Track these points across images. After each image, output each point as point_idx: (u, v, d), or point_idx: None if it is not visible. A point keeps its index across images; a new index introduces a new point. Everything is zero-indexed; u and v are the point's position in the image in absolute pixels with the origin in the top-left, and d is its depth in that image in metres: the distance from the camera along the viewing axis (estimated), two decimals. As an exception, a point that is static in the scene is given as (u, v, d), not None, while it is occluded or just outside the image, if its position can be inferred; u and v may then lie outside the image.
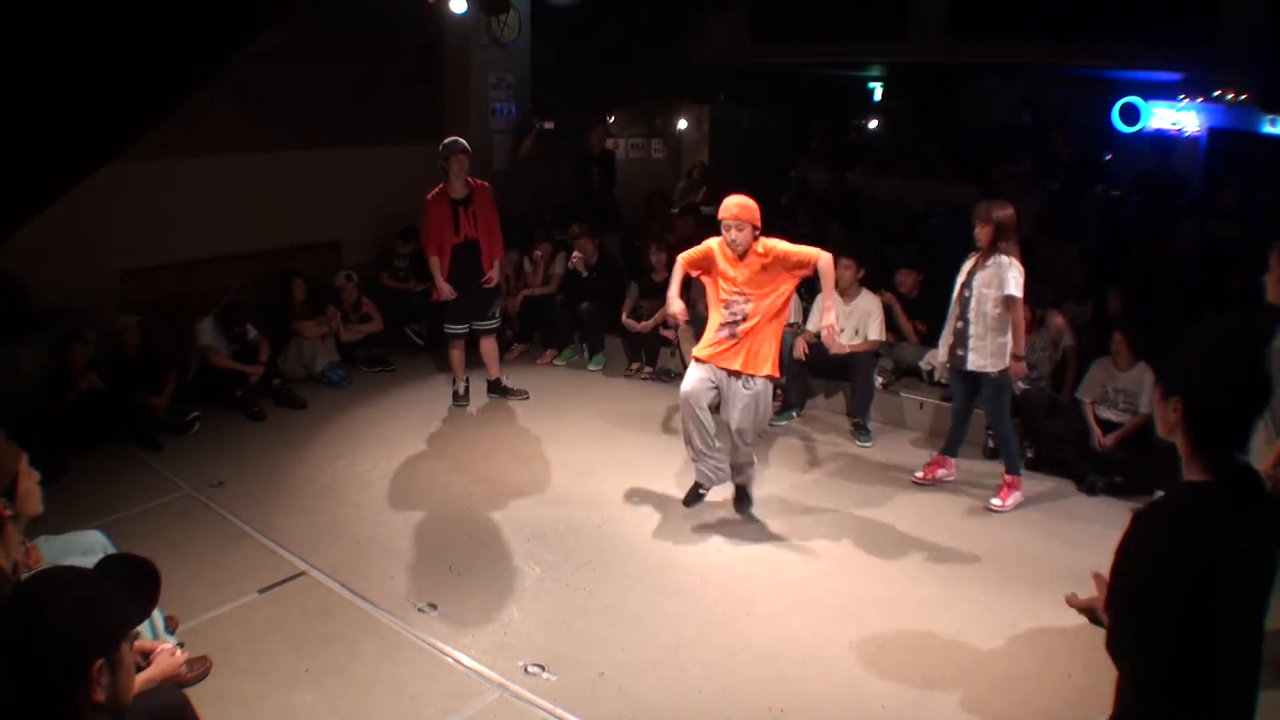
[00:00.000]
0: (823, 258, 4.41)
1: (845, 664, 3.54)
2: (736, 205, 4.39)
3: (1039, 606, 3.94)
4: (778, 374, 4.58)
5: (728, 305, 4.47)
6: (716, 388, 4.51)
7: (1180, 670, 1.62)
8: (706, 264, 4.56)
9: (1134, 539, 1.69)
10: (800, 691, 3.37)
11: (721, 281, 4.50)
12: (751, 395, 4.42)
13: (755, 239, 4.40)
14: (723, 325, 4.47)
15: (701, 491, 4.74)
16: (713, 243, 4.55)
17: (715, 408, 4.61)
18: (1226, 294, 5.80)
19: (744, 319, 4.43)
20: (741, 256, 4.42)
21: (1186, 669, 1.61)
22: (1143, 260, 6.82)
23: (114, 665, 1.60)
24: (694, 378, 4.51)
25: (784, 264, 4.40)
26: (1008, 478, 4.94)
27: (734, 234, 4.38)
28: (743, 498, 4.74)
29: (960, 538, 4.60)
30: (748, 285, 4.43)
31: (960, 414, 5.13)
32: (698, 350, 4.58)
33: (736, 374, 4.43)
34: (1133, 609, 1.67)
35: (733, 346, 4.44)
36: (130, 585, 1.80)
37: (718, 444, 4.60)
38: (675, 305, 4.64)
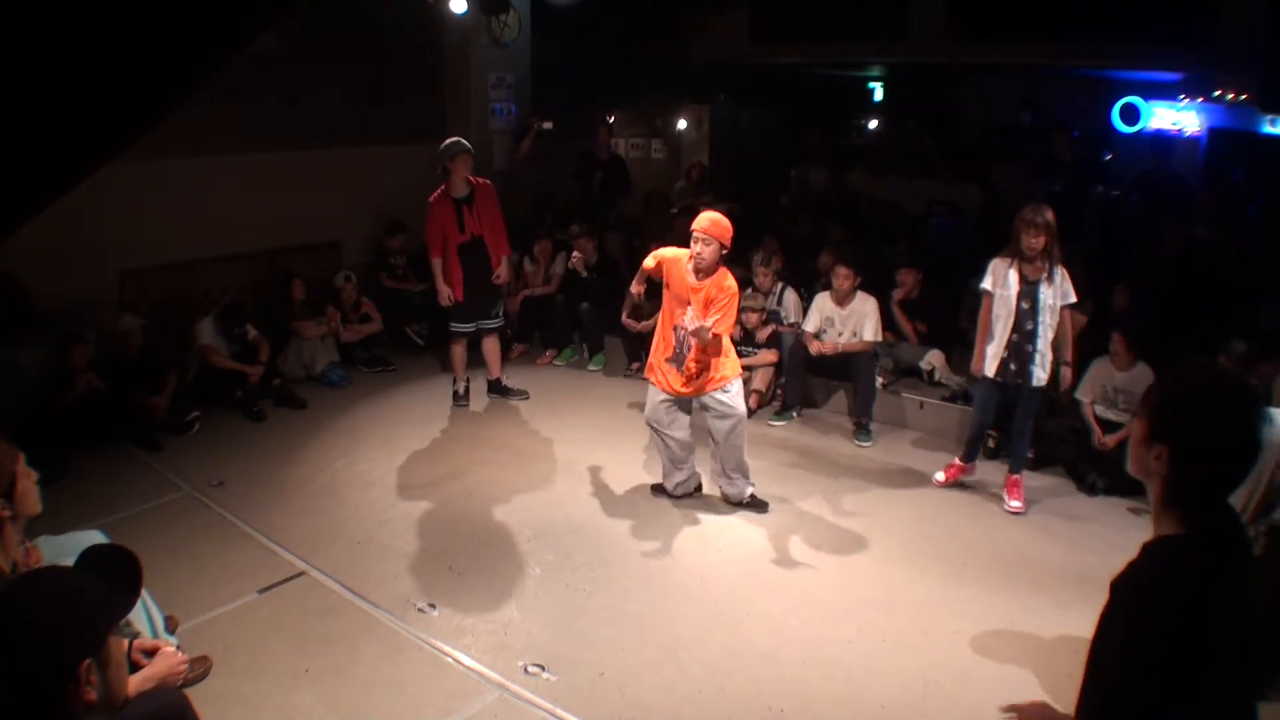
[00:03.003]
0: (725, 320, 4.41)
1: (845, 664, 3.54)
2: (709, 220, 4.40)
3: (1039, 606, 3.94)
4: (741, 371, 4.74)
5: (675, 332, 4.54)
6: (675, 402, 4.70)
7: None
8: (669, 278, 4.58)
9: (1112, 611, 1.58)
10: (800, 691, 3.37)
11: (678, 305, 4.53)
12: (726, 399, 4.57)
13: (720, 262, 4.41)
14: (674, 356, 4.57)
15: (668, 489, 4.92)
16: (676, 254, 4.56)
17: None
18: (1206, 298, 5.80)
19: (689, 349, 4.49)
20: (699, 273, 4.42)
21: None
22: (1142, 260, 6.82)
23: (102, 662, 1.59)
24: (652, 400, 4.72)
25: (715, 306, 4.42)
26: (1015, 477, 4.94)
27: (700, 248, 4.36)
28: (752, 503, 4.80)
29: (960, 538, 4.60)
30: (696, 309, 4.42)
31: (986, 424, 5.05)
32: (649, 373, 4.76)
33: (698, 392, 4.59)
34: (1114, 686, 1.55)
35: (684, 377, 4.57)
36: (113, 577, 1.79)
37: (684, 455, 4.79)
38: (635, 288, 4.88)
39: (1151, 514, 1.66)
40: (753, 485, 4.81)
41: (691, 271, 4.45)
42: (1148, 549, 1.61)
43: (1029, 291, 4.64)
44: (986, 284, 4.79)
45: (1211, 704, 1.51)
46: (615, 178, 8.29)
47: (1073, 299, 4.64)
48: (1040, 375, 4.70)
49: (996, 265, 4.74)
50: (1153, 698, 1.50)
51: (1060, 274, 4.60)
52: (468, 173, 5.83)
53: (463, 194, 5.86)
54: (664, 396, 4.67)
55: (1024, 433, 4.90)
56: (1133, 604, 1.56)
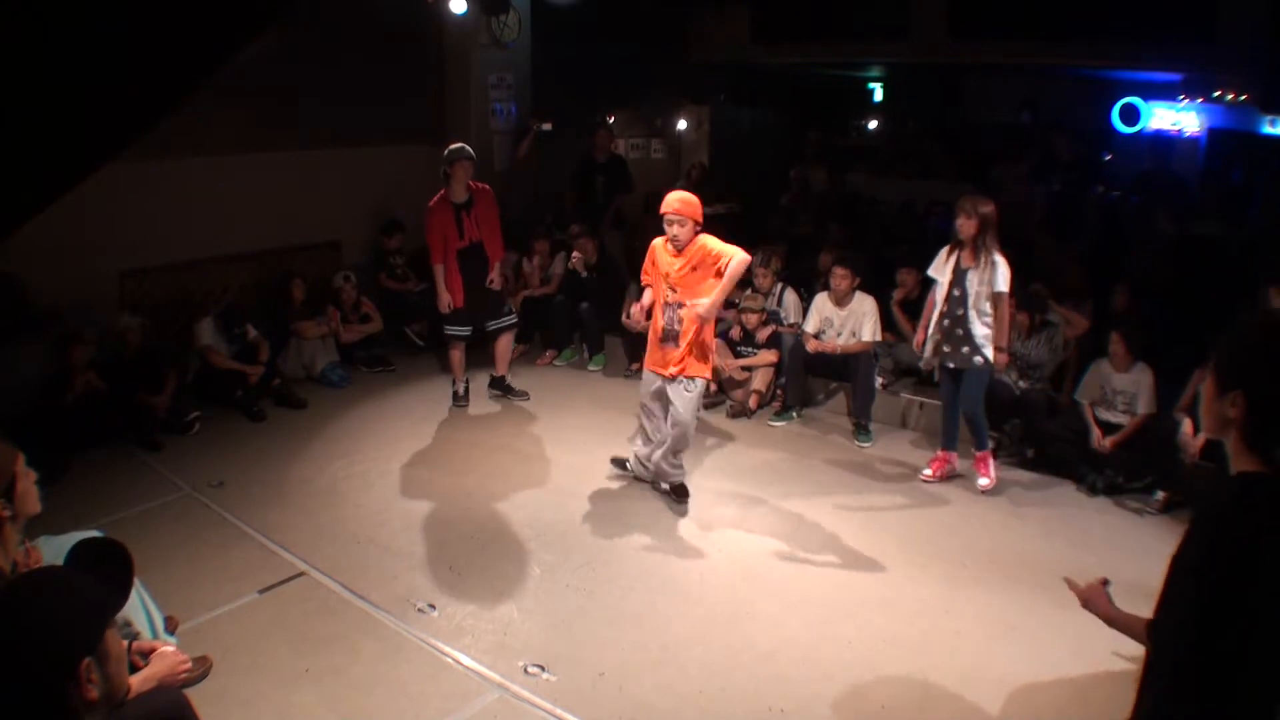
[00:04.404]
0: (735, 258, 4.43)
1: (845, 664, 3.54)
2: (678, 200, 4.52)
3: (1039, 606, 3.94)
4: (710, 376, 4.83)
5: (664, 310, 4.63)
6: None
7: (1210, 662, 1.58)
8: (653, 266, 4.73)
9: (1190, 531, 1.65)
10: (800, 692, 3.37)
11: (664, 284, 4.65)
12: (691, 395, 4.65)
13: (695, 235, 4.54)
14: (666, 335, 4.64)
15: (628, 468, 5.10)
16: (656, 242, 4.72)
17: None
18: (1206, 297, 5.82)
19: (679, 322, 4.58)
20: (680, 251, 4.56)
21: (1217, 661, 1.57)
22: (1143, 260, 6.83)
23: (101, 658, 1.58)
24: (646, 386, 4.81)
25: (711, 261, 4.49)
26: (980, 454, 5.11)
27: (675, 230, 4.50)
28: (678, 492, 4.89)
29: (960, 538, 4.60)
30: (679, 282, 4.56)
31: (954, 407, 5.19)
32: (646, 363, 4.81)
33: (673, 377, 4.65)
34: (1176, 597, 1.64)
35: (671, 353, 4.63)
36: (103, 571, 1.78)
37: (657, 438, 4.88)
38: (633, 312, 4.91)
39: (1232, 461, 1.70)
40: (680, 474, 4.87)
41: (672, 252, 4.59)
42: (1230, 479, 1.67)
43: (959, 279, 4.87)
44: (930, 271, 5.07)
45: (1261, 647, 1.55)
46: (616, 177, 8.27)
47: (1001, 287, 4.75)
48: (977, 359, 4.86)
49: (940, 253, 5.00)
50: (1196, 614, 1.57)
51: (995, 263, 4.73)
52: (468, 178, 5.85)
53: (462, 199, 5.88)
54: (656, 383, 4.75)
55: (977, 414, 5.05)
56: (1203, 522, 1.63)
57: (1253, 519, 1.57)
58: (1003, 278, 4.75)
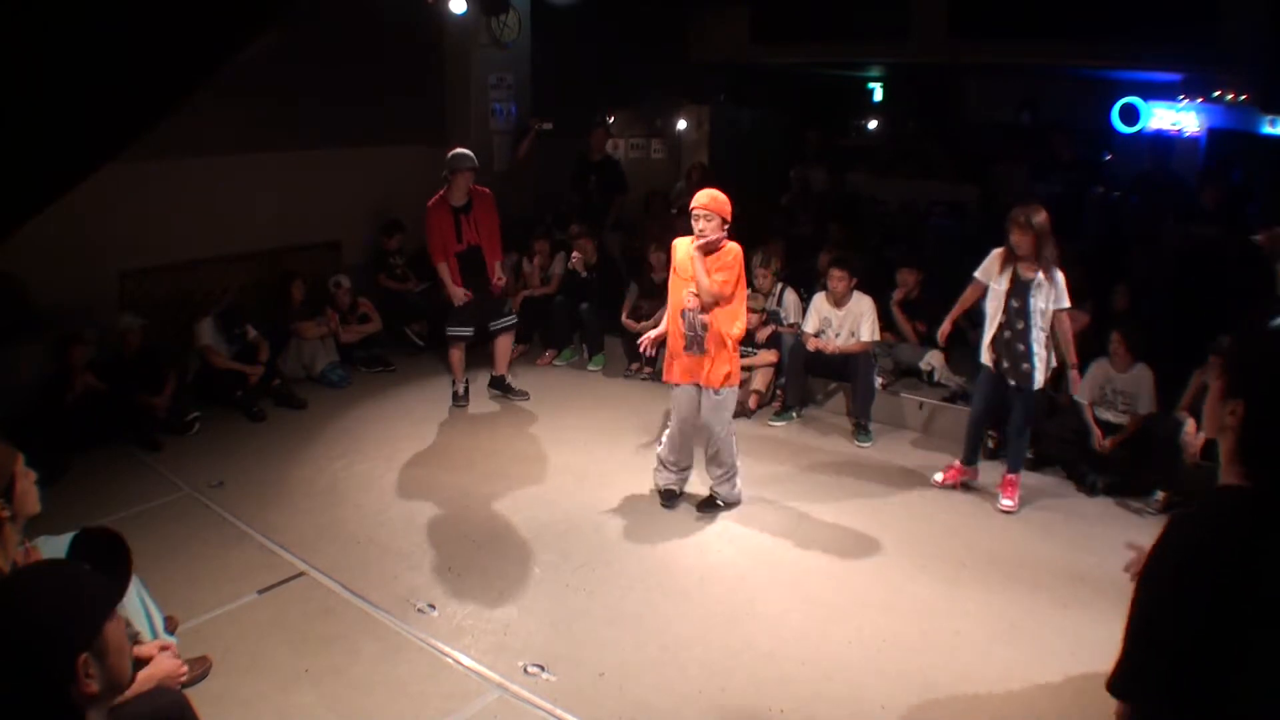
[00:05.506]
0: (719, 279, 4.41)
1: (845, 664, 3.55)
2: (707, 196, 4.46)
3: (1039, 606, 3.94)
4: (737, 381, 4.69)
5: (684, 317, 4.53)
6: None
7: (1199, 691, 1.55)
8: (674, 270, 4.62)
9: (1164, 545, 1.62)
10: (800, 692, 3.37)
11: (685, 288, 4.54)
12: (719, 400, 4.57)
13: (725, 237, 4.45)
14: (690, 342, 4.54)
15: (670, 495, 4.90)
16: (678, 242, 4.62)
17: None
18: (1214, 293, 5.81)
19: (701, 327, 4.49)
20: (708, 252, 4.46)
21: (1206, 691, 1.54)
22: (1143, 260, 6.83)
23: (101, 652, 1.57)
24: (679, 405, 4.68)
25: (728, 268, 4.43)
26: (1012, 476, 4.94)
27: (701, 224, 4.43)
28: (710, 501, 4.84)
29: (960, 538, 4.60)
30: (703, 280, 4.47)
31: (982, 421, 5.07)
32: (669, 375, 4.70)
33: (703, 385, 4.59)
34: (1154, 621, 1.61)
35: (699, 360, 4.55)
36: (103, 562, 1.77)
37: (679, 456, 4.80)
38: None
39: (1221, 468, 1.69)
40: (737, 487, 4.81)
41: (697, 250, 4.47)
42: (1211, 493, 1.66)
43: (1019, 290, 4.65)
44: (978, 272, 4.86)
45: (1252, 662, 1.53)
46: (610, 178, 8.29)
47: (1065, 304, 4.59)
48: (1036, 377, 4.68)
49: (993, 256, 4.78)
50: (1192, 638, 1.54)
51: (1056, 277, 4.58)
52: (469, 185, 5.87)
53: (461, 203, 5.90)
54: (691, 393, 4.64)
55: (1021, 434, 4.91)
56: (1188, 542, 1.60)
57: (1234, 535, 1.55)
58: (1065, 294, 4.57)
